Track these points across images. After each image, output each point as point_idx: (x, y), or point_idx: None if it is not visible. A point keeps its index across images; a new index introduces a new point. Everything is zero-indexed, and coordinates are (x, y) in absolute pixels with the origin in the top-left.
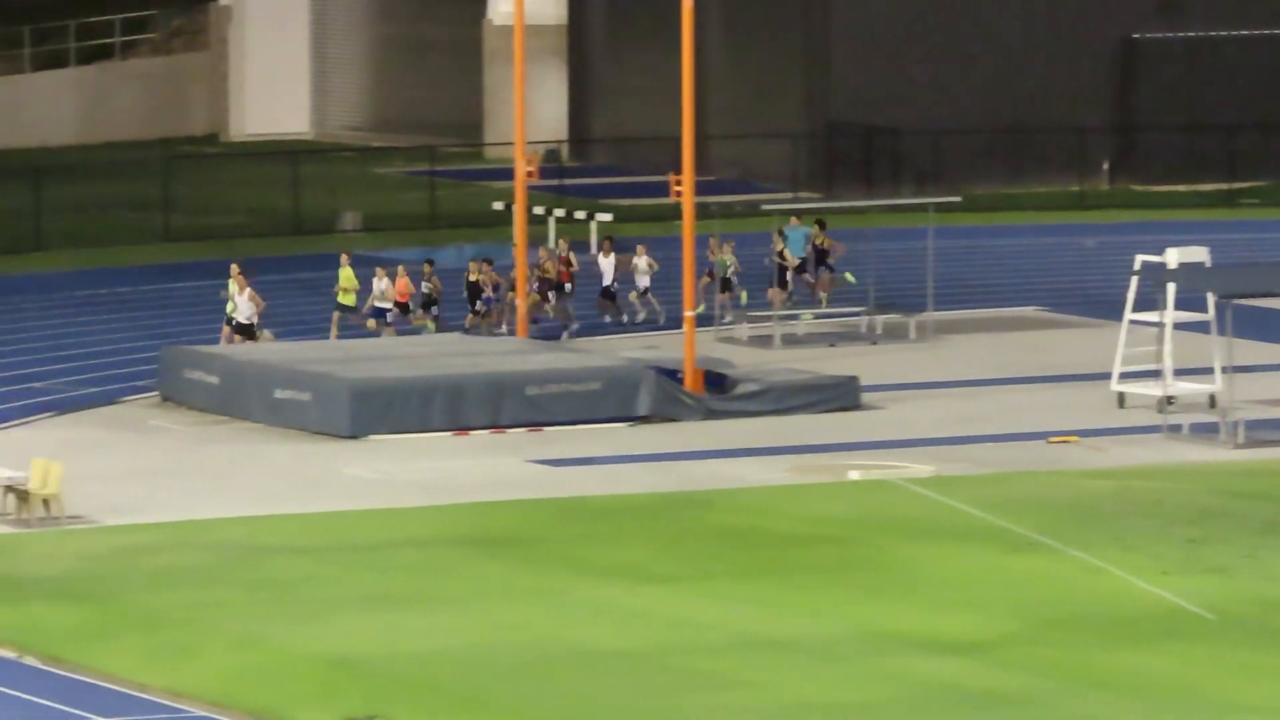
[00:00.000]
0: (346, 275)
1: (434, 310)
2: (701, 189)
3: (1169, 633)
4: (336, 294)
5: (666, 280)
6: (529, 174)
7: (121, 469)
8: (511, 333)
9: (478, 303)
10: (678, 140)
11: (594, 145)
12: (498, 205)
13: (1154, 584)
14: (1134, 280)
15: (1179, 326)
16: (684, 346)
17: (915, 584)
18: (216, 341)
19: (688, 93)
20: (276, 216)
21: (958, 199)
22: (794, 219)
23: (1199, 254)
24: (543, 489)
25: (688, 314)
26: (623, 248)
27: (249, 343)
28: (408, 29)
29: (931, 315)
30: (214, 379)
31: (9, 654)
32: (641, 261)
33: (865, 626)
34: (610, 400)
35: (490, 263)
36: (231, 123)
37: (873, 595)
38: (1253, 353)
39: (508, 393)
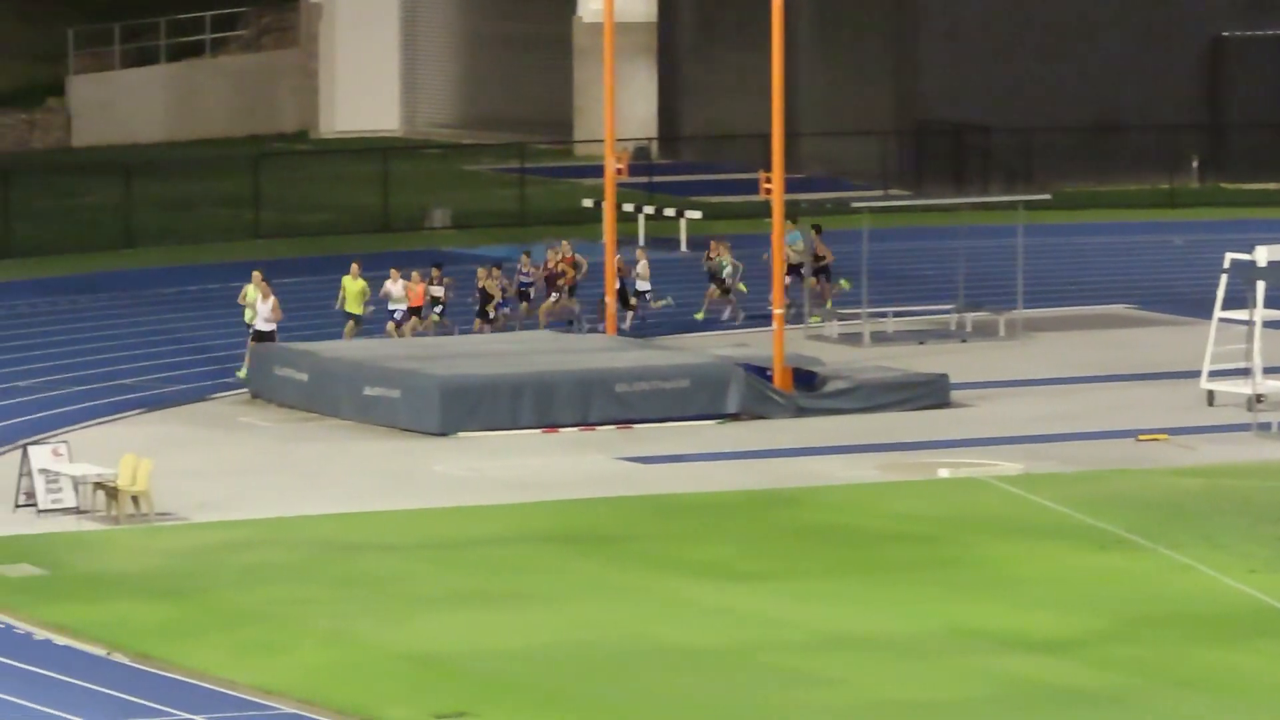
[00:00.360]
0: (358, 288)
1: (440, 309)
2: (791, 186)
3: (1256, 631)
4: (340, 304)
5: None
6: (618, 171)
7: (211, 466)
8: None
9: (490, 309)
10: (767, 137)
11: (683, 142)
12: (587, 203)
13: (1242, 582)
14: (1223, 278)
15: (1269, 324)
16: (773, 344)
17: (1003, 582)
18: (306, 338)
19: (777, 89)
20: (365, 214)
21: (1047, 197)
22: (790, 223)
23: None
24: (631, 486)
25: (776, 311)
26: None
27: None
28: (498, 26)
29: (1021, 313)
30: (303, 376)
31: (98, 651)
32: (641, 266)
33: (953, 624)
34: (699, 398)
35: (499, 267)
36: (321, 120)
37: (961, 593)
38: None
39: (597, 390)
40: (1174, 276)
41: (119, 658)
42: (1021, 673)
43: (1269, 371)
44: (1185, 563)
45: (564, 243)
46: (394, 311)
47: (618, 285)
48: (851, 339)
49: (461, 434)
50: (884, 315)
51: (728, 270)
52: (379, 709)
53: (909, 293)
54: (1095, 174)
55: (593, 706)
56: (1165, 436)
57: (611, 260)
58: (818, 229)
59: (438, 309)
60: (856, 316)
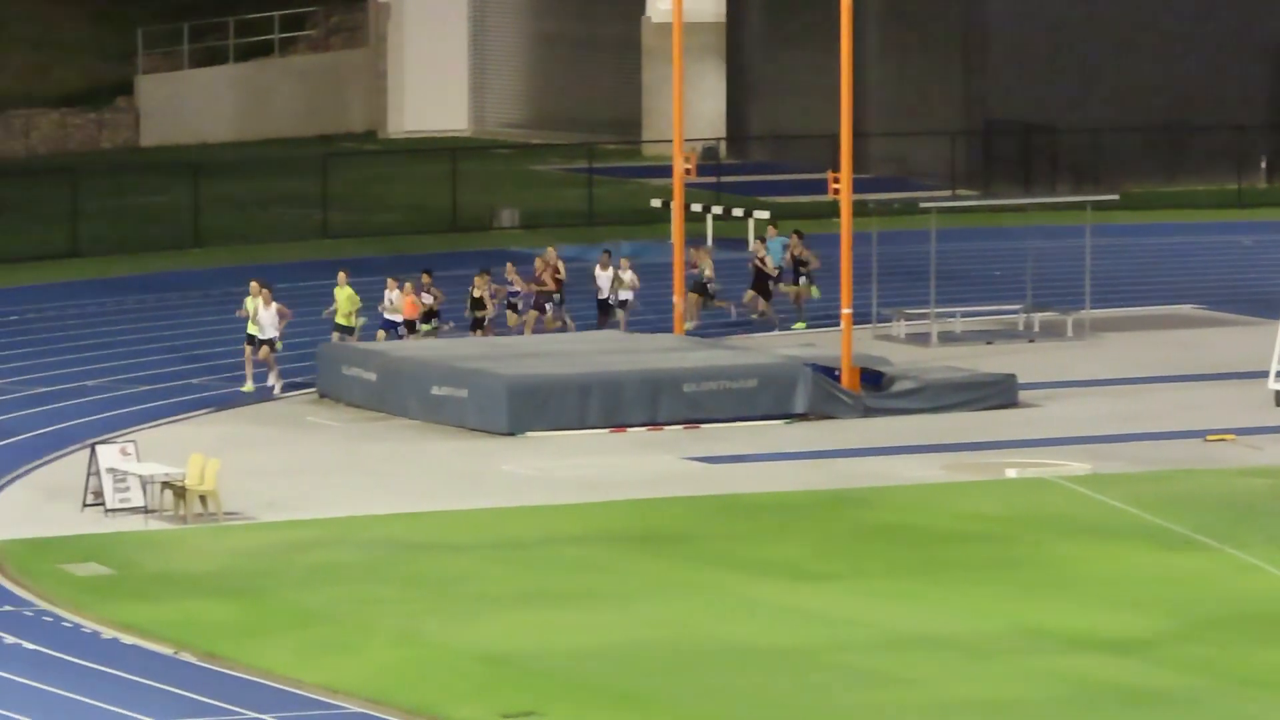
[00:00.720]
0: (347, 295)
1: (434, 322)
2: (859, 186)
3: None
4: (332, 315)
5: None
6: (687, 171)
7: (278, 465)
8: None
9: (482, 316)
10: (835, 137)
11: (752, 142)
12: (655, 203)
13: None
14: None
15: None
16: (841, 344)
17: (1071, 582)
18: (373, 338)
19: (846, 90)
20: (434, 213)
21: (1115, 197)
22: (771, 228)
23: None
24: (699, 486)
25: (845, 311)
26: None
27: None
28: (566, 26)
29: (1089, 313)
30: (371, 375)
31: (165, 650)
32: (626, 275)
33: (1020, 624)
34: (767, 397)
35: (489, 274)
36: (390, 119)
37: (1028, 593)
38: None
39: (665, 390)
40: (1242, 277)
41: (186, 657)
42: (1088, 673)
43: None
44: (1252, 563)
45: (549, 249)
46: (393, 322)
47: (603, 296)
48: (919, 339)
49: (529, 434)
50: (952, 315)
51: (707, 274)
52: (446, 708)
53: (976, 293)
54: (1163, 174)
55: (660, 706)
56: (1232, 437)
57: (680, 260)
58: (799, 233)
59: (432, 321)
60: (924, 317)
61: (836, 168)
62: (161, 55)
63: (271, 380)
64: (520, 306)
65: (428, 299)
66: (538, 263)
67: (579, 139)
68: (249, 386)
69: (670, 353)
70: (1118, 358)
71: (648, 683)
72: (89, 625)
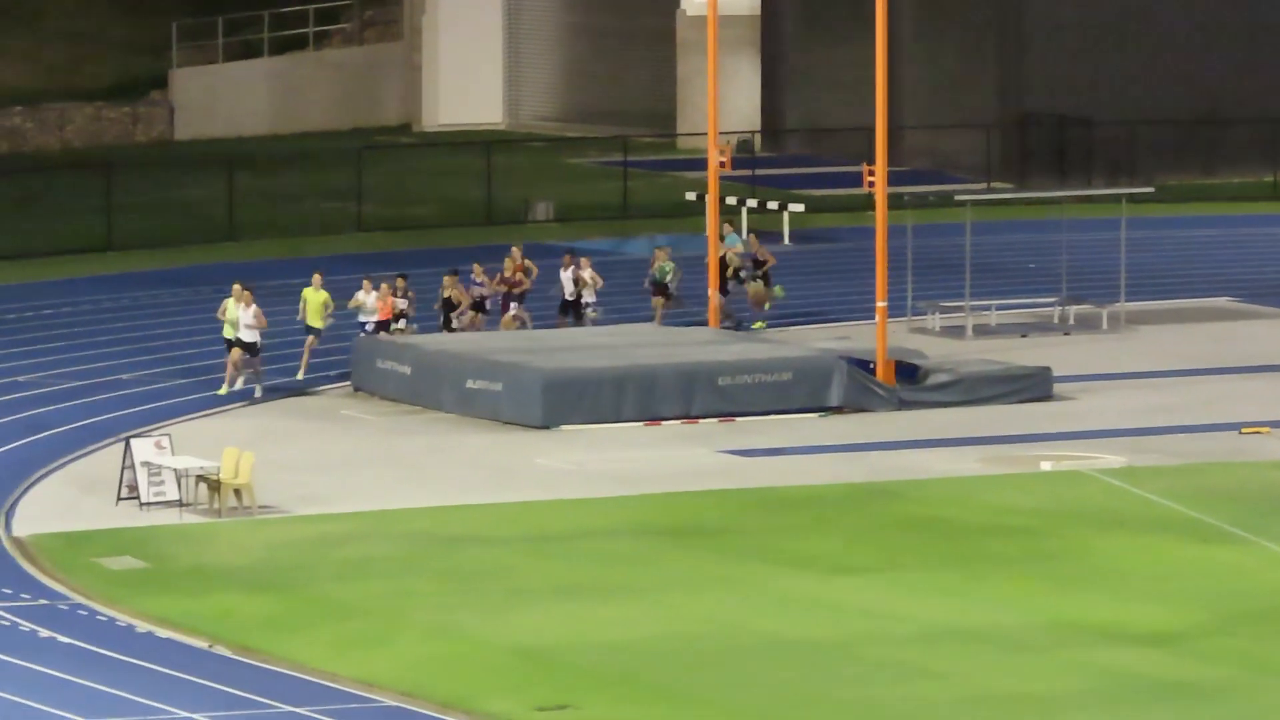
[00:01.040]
0: (320, 300)
1: (401, 323)
2: (894, 179)
3: None
4: (301, 316)
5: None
6: (721, 164)
7: (313, 459)
8: None
9: (454, 317)
10: (870, 130)
11: (787, 135)
12: (690, 196)
13: None
14: None
15: None
16: (876, 337)
17: (1106, 575)
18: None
19: (881, 82)
20: (469, 207)
21: (1150, 189)
22: (727, 224)
23: None
24: (734, 479)
25: (880, 304)
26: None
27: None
28: (601, 19)
29: (1124, 306)
30: (406, 369)
31: (200, 644)
32: (585, 275)
33: (1055, 617)
34: (802, 390)
35: (458, 273)
36: (424, 113)
37: (1063, 586)
38: None
39: (699, 383)
40: (1277, 269)
41: (221, 650)
42: (1124, 666)
43: None
44: None
45: (515, 249)
46: (365, 324)
47: (567, 296)
48: (954, 332)
49: (564, 427)
50: (987, 308)
51: (670, 276)
52: (481, 702)
53: (1011, 286)
54: (1198, 167)
55: (695, 699)
56: (1268, 430)
57: (714, 253)
58: (756, 234)
59: (401, 322)
60: (959, 309)
61: (872, 160)
62: (196, 49)
63: (253, 384)
64: (488, 306)
65: (401, 302)
66: (506, 263)
67: (614, 132)
68: (225, 389)
69: (705, 346)
70: (1153, 350)
71: (682, 676)
72: (124, 619)
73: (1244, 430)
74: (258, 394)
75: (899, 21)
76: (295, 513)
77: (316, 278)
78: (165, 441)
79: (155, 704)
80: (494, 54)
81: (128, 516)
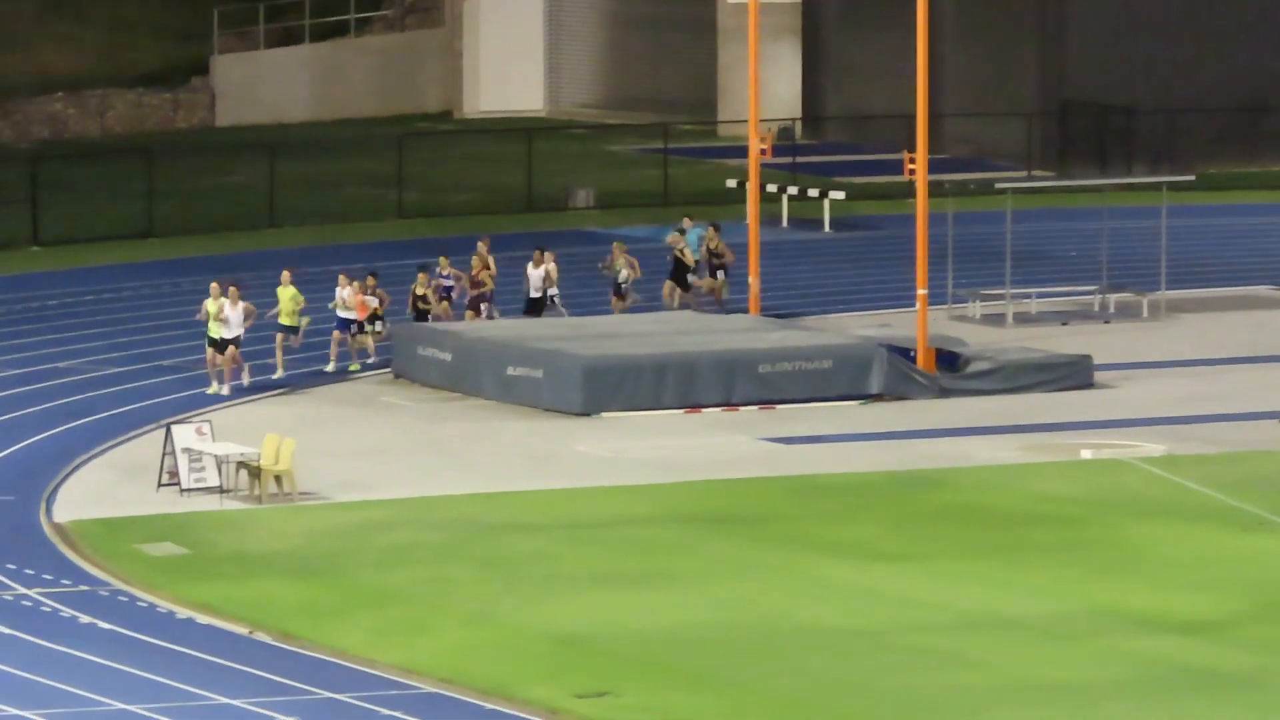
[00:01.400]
0: (290, 295)
1: (377, 325)
2: (935, 167)
3: None
4: (276, 316)
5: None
6: (762, 152)
7: (353, 446)
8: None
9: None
10: (911, 117)
11: (827, 123)
12: (731, 183)
13: None
14: None
15: None
16: (917, 325)
17: (1146, 563)
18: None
19: (922, 70)
20: (509, 194)
21: (1191, 178)
22: (687, 219)
23: None
24: (774, 467)
25: (921, 291)
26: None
27: (478, 320)
28: (642, 6)
29: (1164, 294)
30: (446, 356)
31: (240, 630)
32: (538, 272)
33: (1095, 606)
34: (842, 378)
35: (427, 270)
36: (465, 99)
37: (1103, 574)
38: None
39: (740, 370)
40: None
41: (261, 637)
42: (1164, 654)
43: None
44: None
45: (480, 244)
46: (347, 321)
47: (534, 294)
48: (994, 320)
49: (604, 414)
50: (1027, 296)
51: (624, 275)
52: (520, 689)
53: (1052, 273)
54: (1240, 155)
55: (734, 686)
56: None
57: (755, 240)
58: (716, 226)
59: (377, 324)
60: (1000, 297)
61: (912, 148)
62: (237, 35)
63: (244, 377)
64: (454, 299)
65: (372, 301)
66: (474, 260)
67: (654, 119)
68: (214, 388)
69: (746, 333)
70: (1193, 339)
71: (721, 663)
72: (164, 605)
73: None
74: (247, 382)
75: (940, 9)
76: (335, 499)
77: (285, 274)
78: (206, 428)
79: (195, 690)
80: (535, 41)
81: (168, 503)
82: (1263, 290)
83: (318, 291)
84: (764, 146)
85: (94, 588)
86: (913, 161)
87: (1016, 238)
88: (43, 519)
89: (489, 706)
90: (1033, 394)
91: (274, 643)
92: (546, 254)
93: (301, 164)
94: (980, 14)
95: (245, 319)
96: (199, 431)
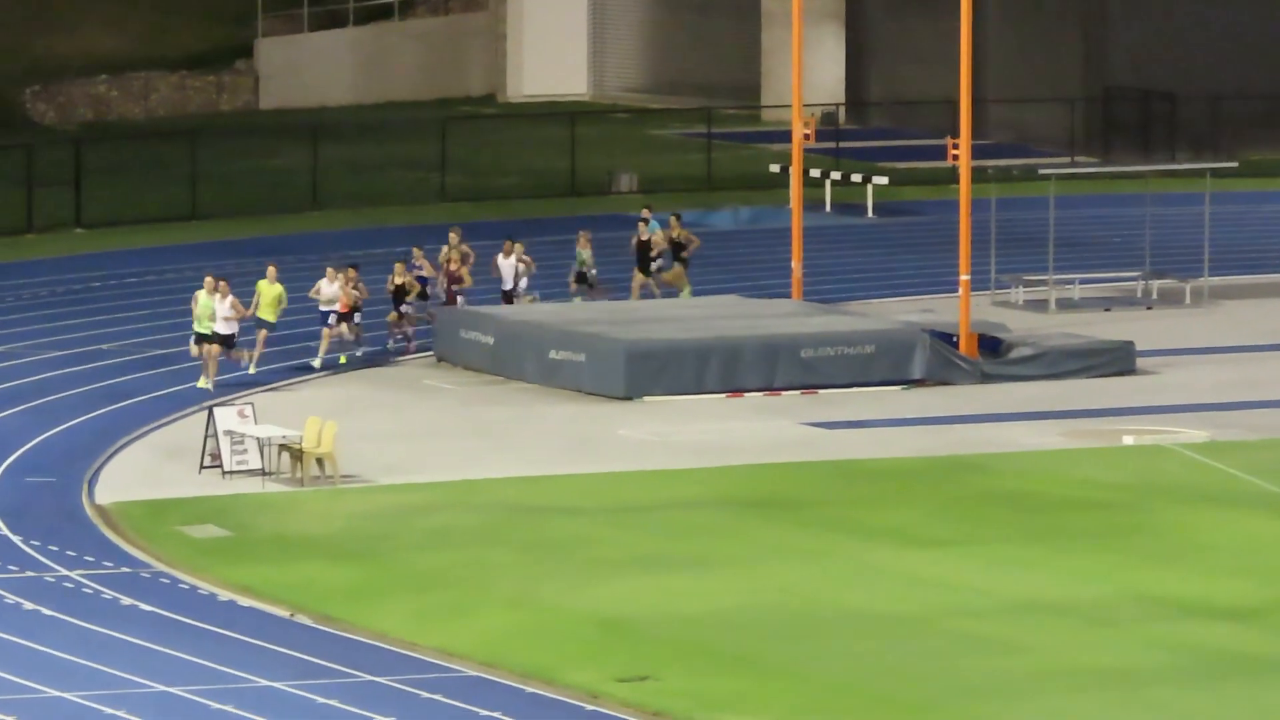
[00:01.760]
0: (274, 293)
1: (355, 319)
2: (978, 152)
3: None
4: (254, 309)
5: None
6: (806, 137)
7: (396, 429)
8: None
9: (406, 300)
10: (954, 103)
11: (871, 108)
12: (774, 168)
13: None
14: None
15: None
16: (959, 310)
17: (1188, 549)
18: (491, 302)
19: (965, 56)
20: (552, 178)
21: (1234, 164)
22: (646, 209)
23: None
24: (816, 451)
25: (963, 277)
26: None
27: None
28: None
29: (1207, 280)
30: (489, 339)
31: (281, 612)
32: (508, 262)
33: (1138, 592)
34: (884, 363)
35: (405, 263)
36: (509, 83)
37: (1145, 560)
38: None
39: (782, 355)
40: None
41: (302, 619)
42: (1206, 640)
43: None
44: None
45: (452, 234)
46: (327, 314)
47: (507, 286)
48: (1037, 306)
49: (646, 398)
50: (1070, 282)
51: (587, 263)
52: (562, 672)
53: (1095, 259)
54: None
55: (776, 670)
56: None
57: (798, 225)
58: (678, 216)
59: (356, 316)
60: (1043, 283)
61: (955, 134)
62: (281, 18)
63: (247, 362)
64: (429, 292)
65: (353, 294)
66: (445, 249)
67: (698, 103)
68: (205, 383)
69: (788, 318)
70: (1236, 325)
71: (763, 647)
72: (206, 587)
73: None
74: (252, 369)
75: None
76: (377, 482)
77: (271, 270)
78: (248, 410)
79: (236, 672)
80: (579, 25)
81: (210, 485)
82: None
83: (372, 274)
84: (807, 131)
85: (136, 570)
86: (956, 147)
87: (1059, 224)
88: (85, 501)
89: (530, 690)
90: (1075, 380)
91: (315, 625)
92: (516, 245)
93: (345, 147)
94: (1024, 0)
95: (232, 314)
96: (241, 414)
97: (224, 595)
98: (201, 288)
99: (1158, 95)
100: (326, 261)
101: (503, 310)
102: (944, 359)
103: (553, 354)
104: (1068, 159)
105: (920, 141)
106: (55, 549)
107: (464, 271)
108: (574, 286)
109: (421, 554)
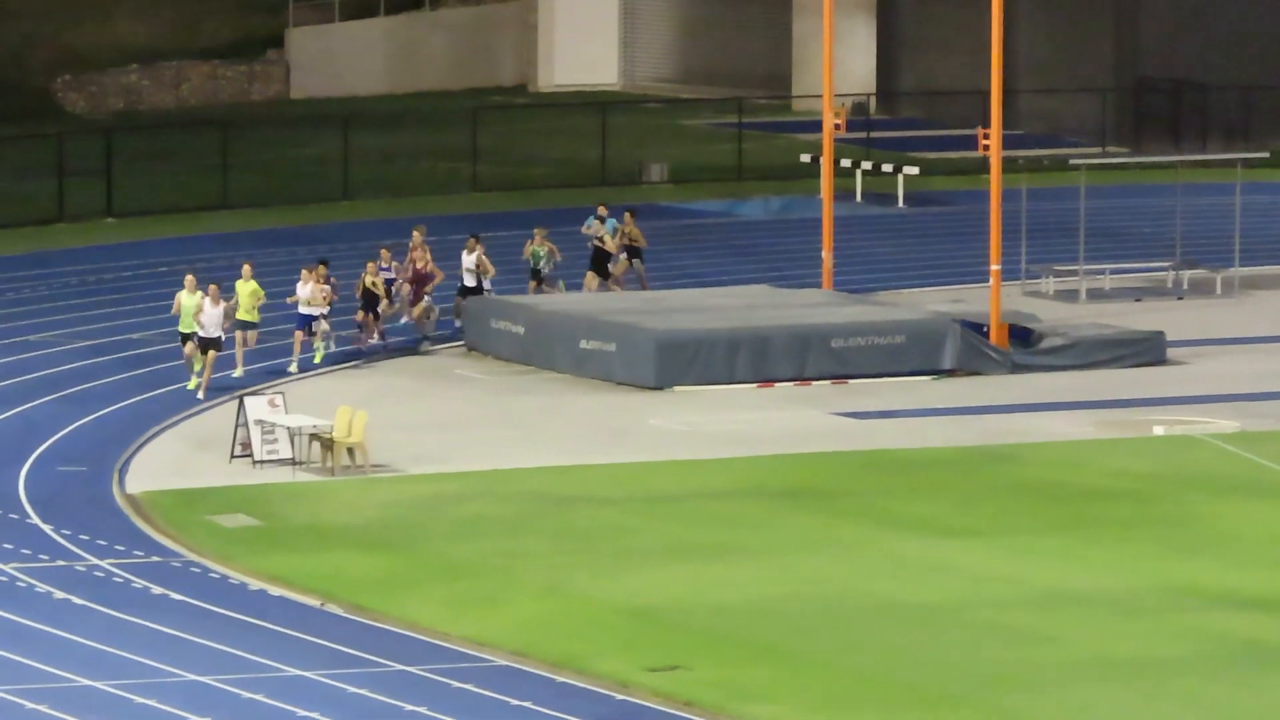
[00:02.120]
0: (250, 290)
1: (326, 310)
2: (1009, 143)
3: None
4: (232, 310)
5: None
6: (836, 127)
7: (426, 418)
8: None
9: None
10: (985, 93)
11: (902, 98)
12: (804, 158)
13: None
14: None
15: None
16: (990, 300)
17: (1219, 539)
18: (518, 292)
19: (996, 46)
20: (583, 167)
21: (1265, 154)
22: (602, 207)
23: None
24: (847, 441)
25: (994, 267)
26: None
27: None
28: None
29: (1238, 271)
30: (519, 329)
31: (312, 602)
32: (470, 259)
33: (1167, 582)
34: (915, 353)
35: (376, 261)
36: (540, 73)
37: (1176, 551)
38: None
39: (813, 345)
40: None
41: (333, 609)
42: (1236, 630)
43: None
44: None
45: (416, 232)
46: (308, 317)
47: (469, 282)
48: (1068, 296)
49: (677, 388)
50: (1100, 272)
51: (544, 260)
52: (592, 662)
53: (1126, 250)
54: None
55: (806, 660)
56: None
57: (828, 215)
58: (632, 212)
59: (323, 313)
60: (1073, 273)
61: (986, 124)
62: (312, 8)
63: (201, 394)
64: (393, 292)
65: (326, 289)
66: (415, 248)
67: (729, 93)
68: (195, 384)
69: (818, 308)
70: (1267, 315)
71: (793, 637)
72: (236, 576)
73: None
74: (202, 395)
75: None
76: (408, 472)
77: (246, 268)
78: (279, 399)
79: (266, 662)
80: (609, 15)
81: (241, 474)
82: None
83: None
84: (838, 121)
85: (166, 559)
86: (987, 137)
87: (1090, 214)
88: (116, 490)
89: (560, 679)
90: (1105, 370)
91: (346, 615)
92: (480, 243)
93: (376, 137)
94: None
95: (225, 320)
96: (272, 403)
97: (254, 585)
98: (206, 285)
99: (1189, 85)
100: (355, 251)
101: (534, 300)
102: (974, 349)
103: (583, 344)
104: (1099, 149)
105: (951, 131)
106: (86, 538)
107: (434, 268)
108: (533, 286)
109: (452, 543)
